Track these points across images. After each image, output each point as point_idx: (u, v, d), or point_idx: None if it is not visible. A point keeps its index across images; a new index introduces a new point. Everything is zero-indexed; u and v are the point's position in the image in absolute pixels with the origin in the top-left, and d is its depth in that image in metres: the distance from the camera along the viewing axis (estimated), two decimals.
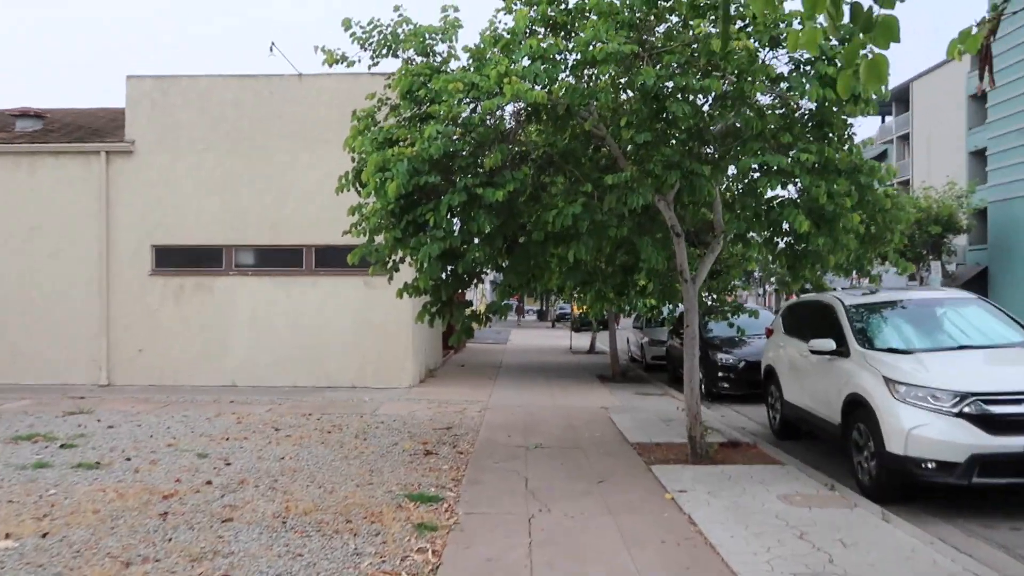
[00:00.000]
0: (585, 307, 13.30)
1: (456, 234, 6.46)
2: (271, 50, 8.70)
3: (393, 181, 6.27)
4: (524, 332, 38.61)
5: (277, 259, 13.91)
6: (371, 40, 7.53)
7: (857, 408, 6.63)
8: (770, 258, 7.94)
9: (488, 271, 7.94)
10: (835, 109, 6.75)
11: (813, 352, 7.50)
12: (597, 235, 6.62)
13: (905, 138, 47.56)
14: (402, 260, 7.13)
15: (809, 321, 8.54)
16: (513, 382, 14.93)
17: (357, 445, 8.22)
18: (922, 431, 5.82)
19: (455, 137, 6.43)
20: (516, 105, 7.16)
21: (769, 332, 9.99)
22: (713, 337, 13.20)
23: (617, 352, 16.68)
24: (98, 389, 13.30)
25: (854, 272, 8.05)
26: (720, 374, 12.61)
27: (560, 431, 9.28)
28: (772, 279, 50.55)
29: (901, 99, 46.42)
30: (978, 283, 34.91)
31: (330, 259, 13.47)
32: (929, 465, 5.80)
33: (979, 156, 38.94)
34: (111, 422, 9.61)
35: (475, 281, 7.60)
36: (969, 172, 39.35)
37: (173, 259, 13.95)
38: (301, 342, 13.71)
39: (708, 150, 6.74)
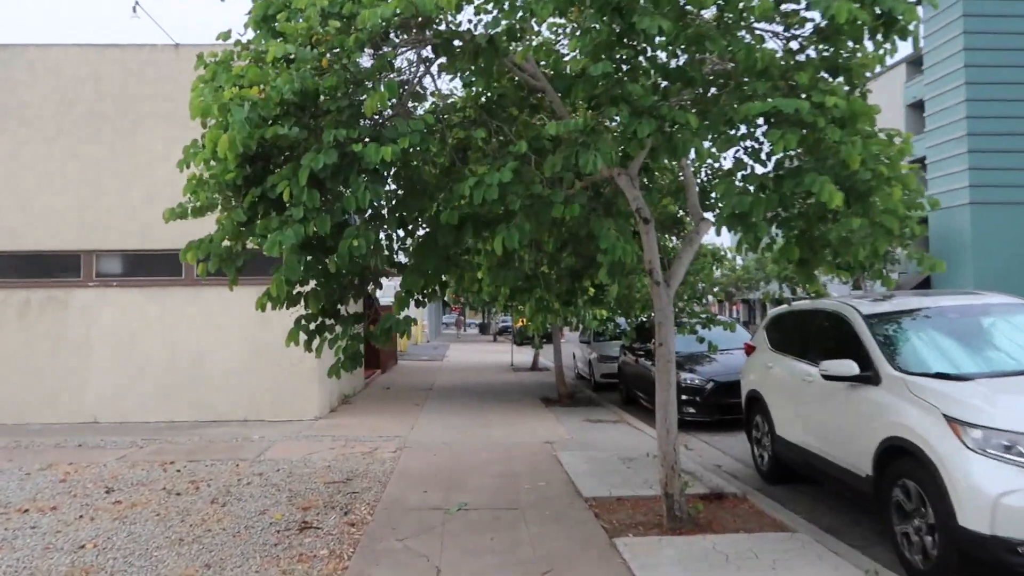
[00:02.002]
0: (525, 320, 11.26)
1: (326, 214, 4.30)
2: (135, 10, 6.40)
3: (228, 134, 4.12)
4: (463, 347, 36.33)
5: (150, 267, 11.38)
6: None
7: (901, 458, 4.75)
8: (759, 253, 6.00)
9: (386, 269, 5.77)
10: (851, 45, 4.92)
11: (827, 377, 5.61)
12: (535, 216, 4.58)
13: None
14: (245, 253, 4.88)
15: (809, 335, 6.70)
16: (443, 409, 12.74)
17: (208, 516, 5.91)
18: (1018, 499, 3.95)
19: (316, 71, 4.26)
20: (420, 51, 5.11)
21: (750, 348, 8.13)
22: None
23: (563, 370, 14.68)
24: None
25: (863, 270, 6.20)
26: (684, 397, 10.69)
27: (493, 481, 7.18)
28: (716, 288, 49.73)
29: None
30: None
31: None
32: None
33: (919, 165, 38.84)
34: None
35: (368, 285, 5.43)
36: None
37: (16, 268, 11.27)
38: (180, 368, 11.23)
39: (690, 95, 4.78)
